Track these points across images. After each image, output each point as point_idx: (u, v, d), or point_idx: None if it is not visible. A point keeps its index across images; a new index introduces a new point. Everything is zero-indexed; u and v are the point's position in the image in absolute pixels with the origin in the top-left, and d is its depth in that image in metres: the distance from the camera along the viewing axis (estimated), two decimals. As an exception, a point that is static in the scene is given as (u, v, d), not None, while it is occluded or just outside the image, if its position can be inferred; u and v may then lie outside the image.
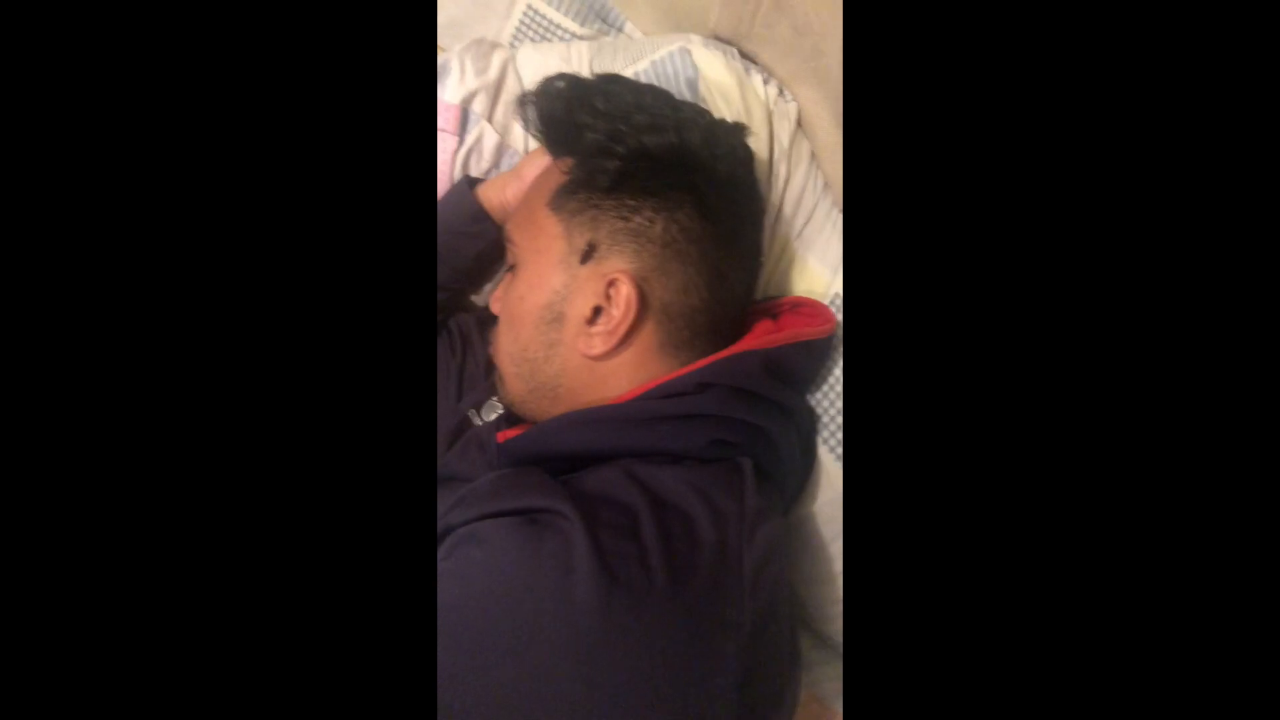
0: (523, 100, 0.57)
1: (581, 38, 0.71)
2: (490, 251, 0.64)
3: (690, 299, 0.50)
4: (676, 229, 0.49)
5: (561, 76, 0.55)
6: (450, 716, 0.36)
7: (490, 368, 0.66)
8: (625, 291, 0.48)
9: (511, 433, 0.52)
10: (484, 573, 0.40)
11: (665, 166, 0.50)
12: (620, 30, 0.73)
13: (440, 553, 0.43)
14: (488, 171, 0.65)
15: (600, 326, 0.49)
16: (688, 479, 0.44)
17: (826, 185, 0.63)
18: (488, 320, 0.70)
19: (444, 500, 0.51)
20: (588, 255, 0.50)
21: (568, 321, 0.50)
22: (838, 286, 0.59)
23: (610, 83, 0.54)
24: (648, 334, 0.50)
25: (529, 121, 0.57)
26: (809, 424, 0.56)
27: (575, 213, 0.50)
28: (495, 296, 0.58)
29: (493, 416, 0.60)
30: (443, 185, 0.65)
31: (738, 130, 0.55)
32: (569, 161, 0.52)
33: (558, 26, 0.71)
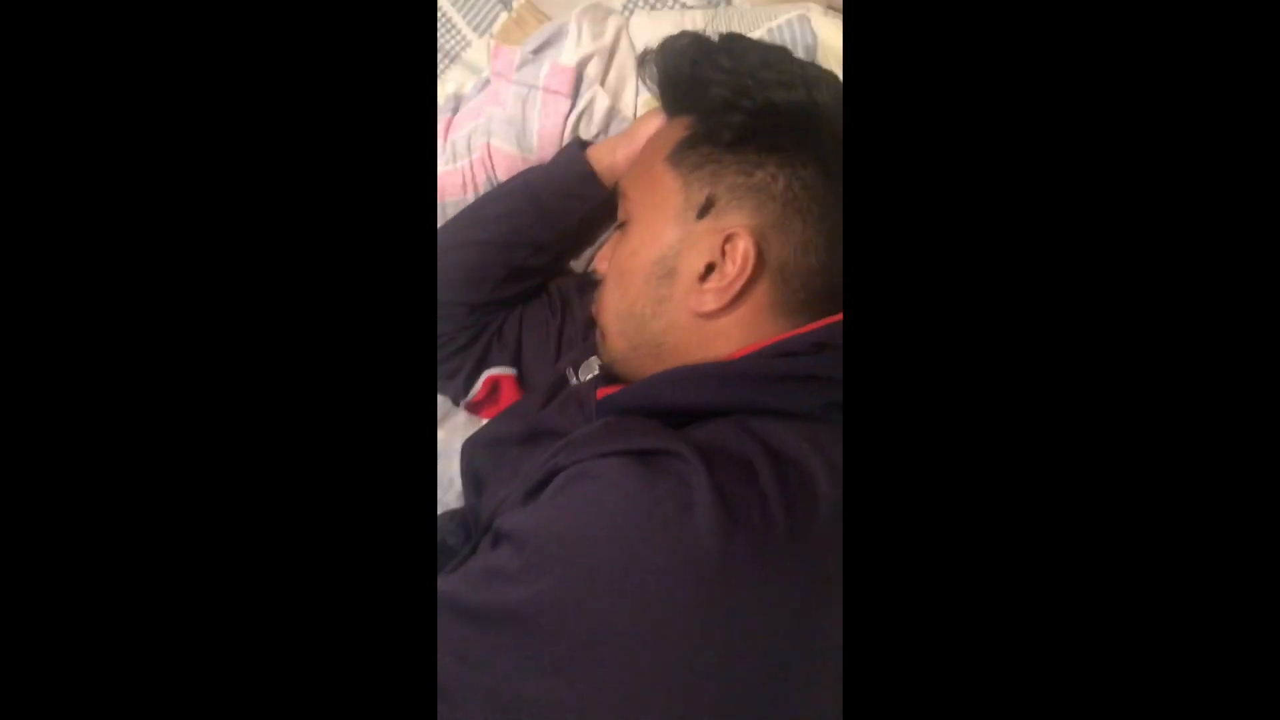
0: (644, 57, 0.57)
1: (693, 7, 0.71)
2: (596, 215, 0.64)
3: (809, 259, 0.49)
4: (800, 186, 0.48)
5: (685, 34, 0.55)
6: (551, 650, 0.36)
7: (589, 329, 0.67)
8: (743, 246, 0.47)
9: (611, 389, 0.52)
10: (596, 507, 0.40)
11: (792, 123, 0.49)
12: (729, 2, 0.72)
13: (546, 493, 0.43)
14: (597, 135, 0.66)
15: (713, 283, 0.48)
16: (804, 434, 0.43)
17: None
18: (586, 285, 0.71)
19: (545, 450, 0.52)
20: (705, 210, 0.49)
21: (679, 277, 0.49)
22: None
23: (734, 40, 0.54)
24: (761, 293, 0.49)
25: (650, 79, 0.57)
26: None
27: (695, 167, 0.50)
28: (602, 255, 0.57)
29: (590, 375, 0.60)
30: (555, 146, 0.65)
31: None
32: (690, 118, 0.52)
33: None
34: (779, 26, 0.62)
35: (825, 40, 0.61)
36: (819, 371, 0.46)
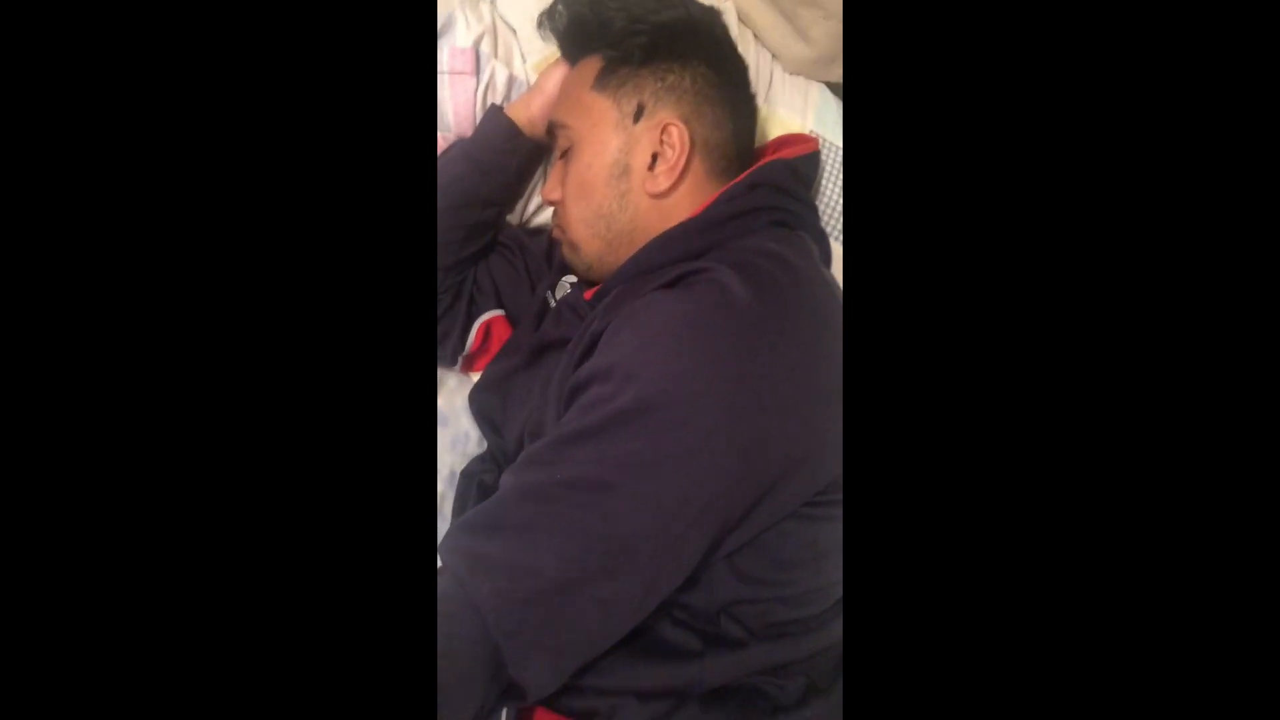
0: (547, 15, 0.69)
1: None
2: (526, 166, 0.75)
3: (722, 131, 0.65)
4: (701, 79, 0.64)
5: None
6: (663, 418, 0.46)
7: (548, 259, 0.77)
8: (677, 132, 0.62)
9: (595, 288, 0.64)
10: (655, 321, 0.50)
11: (680, 35, 0.65)
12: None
13: (600, 346, 0.52)
14: (502, 101, 0.76)
15: (661, 167, 0.62)
16: (770, 238, 0.59)
17: (774, 56, 0.80)
18: (528, 231, 0.81)
19: (554, 362, 0.62)
20: (639, 115, 0.63)
21: (633, 171, 0.63)
22: (810, 124, 0.77)
23: None
24: (696, 166, 0.63)
25: (555, 31, 0.69)
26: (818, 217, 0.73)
27: (619, 86, 0.64)
28: (550, 186, 0.69)
29: (567, 290, 0.71)
30: (470, 120, 0.75)
31: (713, 10, 0.71)
32: (600, 53, 0.65)
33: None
34: (624, -18, 0.77)
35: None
36: (760, 203, 0.61)
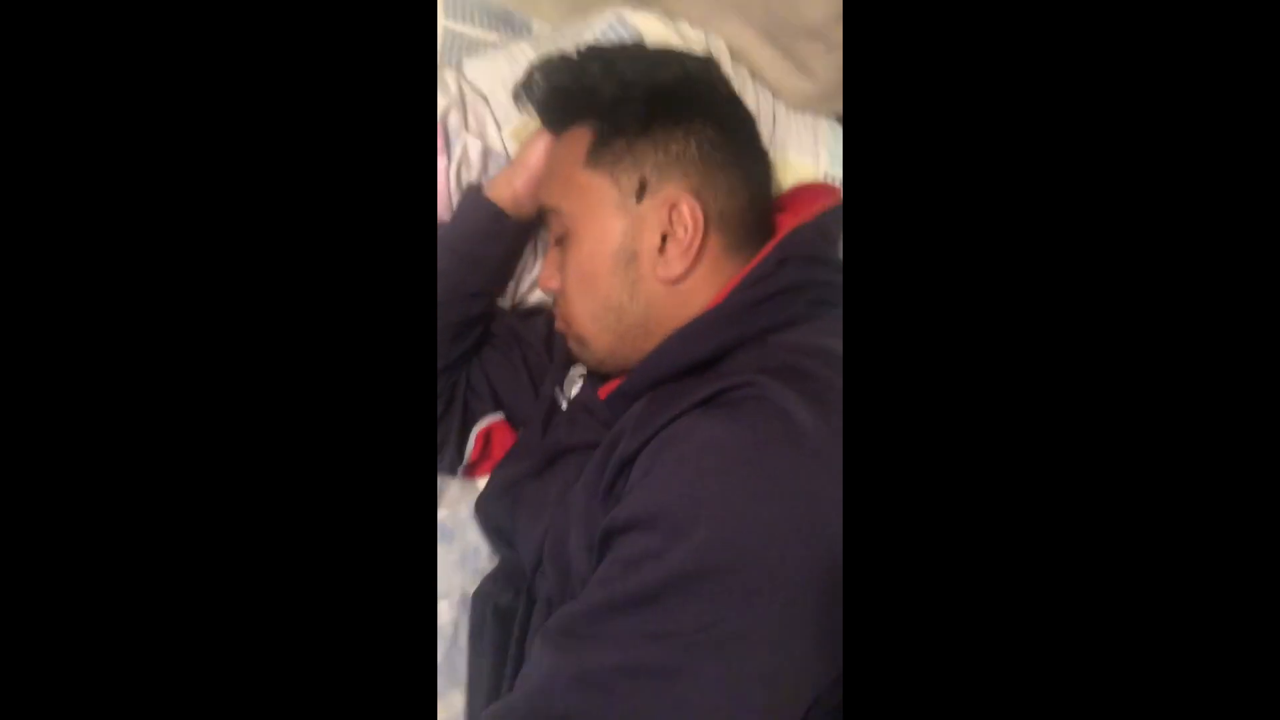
0: (523, 87, 0.61)
1: (499, 45, 0.76)
2: (515, 248, 0.68)
3: (737, 200, 0.56)
4: (707, 145, 0.56)
5: (552, 57, 0.60)
6: (732, 583, 0.39)
7: (548, 349, 0.70)
8: (688, 208, 0.54)
9: (611, 385, 0.56)
10: (701, 459, 0.42)
11: (679, 97, 0.57)
12: (528, 29, 0.78)
13: (633, 479, 0.45)
14: (478, 179, 0.69)
15: (673, 249, 0.54)
16: (810, 331, 0.51)
17: (775, 94, 0.72)
18: (523, 314, 0.73)
19: (568, 470, 0.55)
20: (642, 192, 0.55)
21: (642, 257, 0.55)
22: (825, 168, 0.69)
23: (595, 49, 0.60)
24: (713, 244, 0.55)
25: (534, 103, 0.61)
26: None
27: (615, 161, 0.55)
28: (547, 275, 0.61)
29: (577, 387, 0.64)
30: (443, 203, 0.67)
31: (710, 60, 0.63)
32: (589, 124, 0.58)
33: (475, 39, 0.75)
34: (602, 32, 0.69)
35: (644, 32, 0.69)
36: (793, 281, 0.54)
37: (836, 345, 0.49)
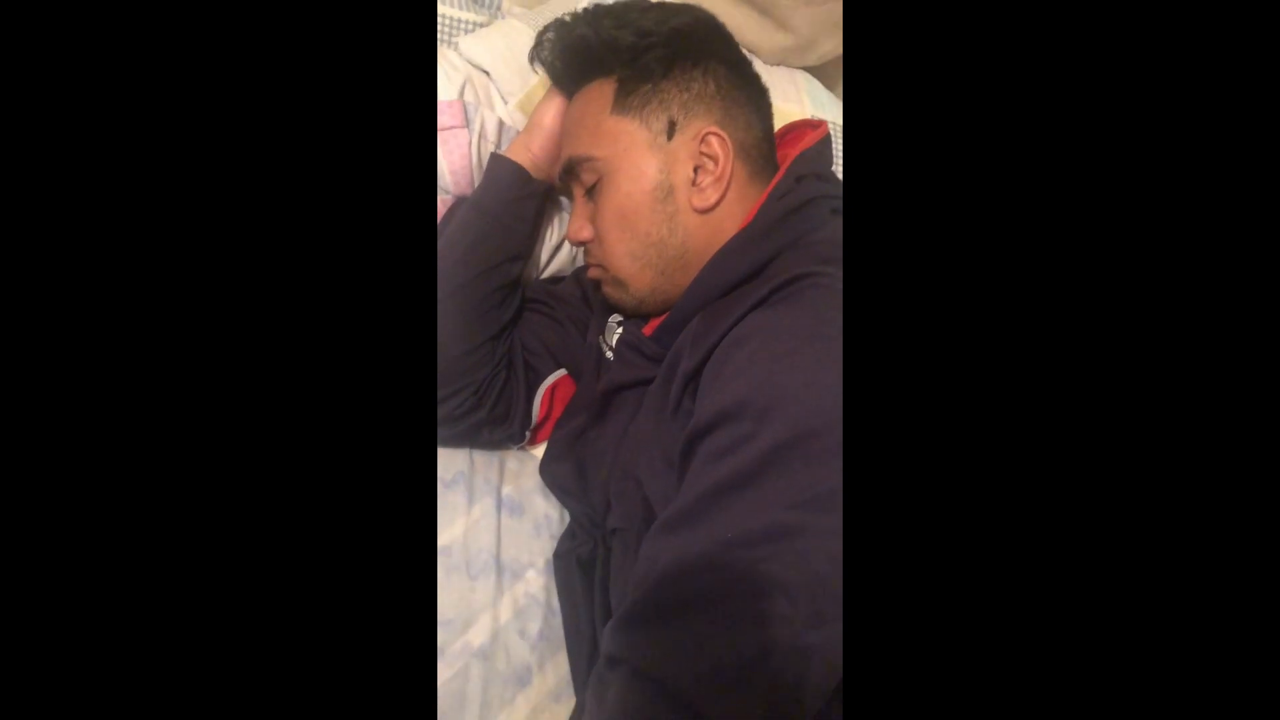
0: (542, 41, 0.63)
1: (477, 25, 0.77)
2: (540, 210, 0.69)
3: (754, 131, 0.62)
4: (723, 82, 0.60)
5: (565, 16, 0.63)
6: (817, 445, 0.42)
7: (586, 304, 0.71)
8: (717, 140, 0.58)
9: (656, 321, 0.59)
10: (775, 343, 0.45)
11: (694, 39, 0.61)
12: (498, 9, 0.80)
13: (705, 379, 0.48)
14: (496, 148, 0.69)
15: (706, 179, 0.58)
16: (838, 230, 0.56)
17: (751, 50, 0.78)
18: (551, 283, 0.74)
19: (628, 405, 0.57)
20: (672, 130, 0.59)
21: (677, 190, 0.58)
22: (809, 109, 0.76)
23: (603, 7, 0.64)
24: (739, 171, 0.60)
25: (550, 60, 0.64)
26: None
27: (641, 105, 0.59)
28: (578, 226, 0.62)
29: (618, 333, 0.65)
30: (468, 177, 0.67)
31: (707, 11, 0.68)
32: (611, 75, 0.60)
33: (458, 20, 0.76)
34: (591, 1, 0.72)
35: (631, -1, 0.73)
36: (813, 192, 0.58)
37: None
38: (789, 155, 0.62)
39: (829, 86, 0.83)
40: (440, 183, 0.67)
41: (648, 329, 0.59)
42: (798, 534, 0.41)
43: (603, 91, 0.60)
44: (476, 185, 0.68)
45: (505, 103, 0.71)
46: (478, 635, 0.61)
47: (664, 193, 0.58)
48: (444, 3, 0.76)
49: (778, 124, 0.78)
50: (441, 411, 0.64)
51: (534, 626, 0.64)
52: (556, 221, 0.74)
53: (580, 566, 0.64)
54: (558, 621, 0.65)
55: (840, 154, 0.78)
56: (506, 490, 0.69)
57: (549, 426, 0.70)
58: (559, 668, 0.64)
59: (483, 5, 0.79)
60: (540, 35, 0.64)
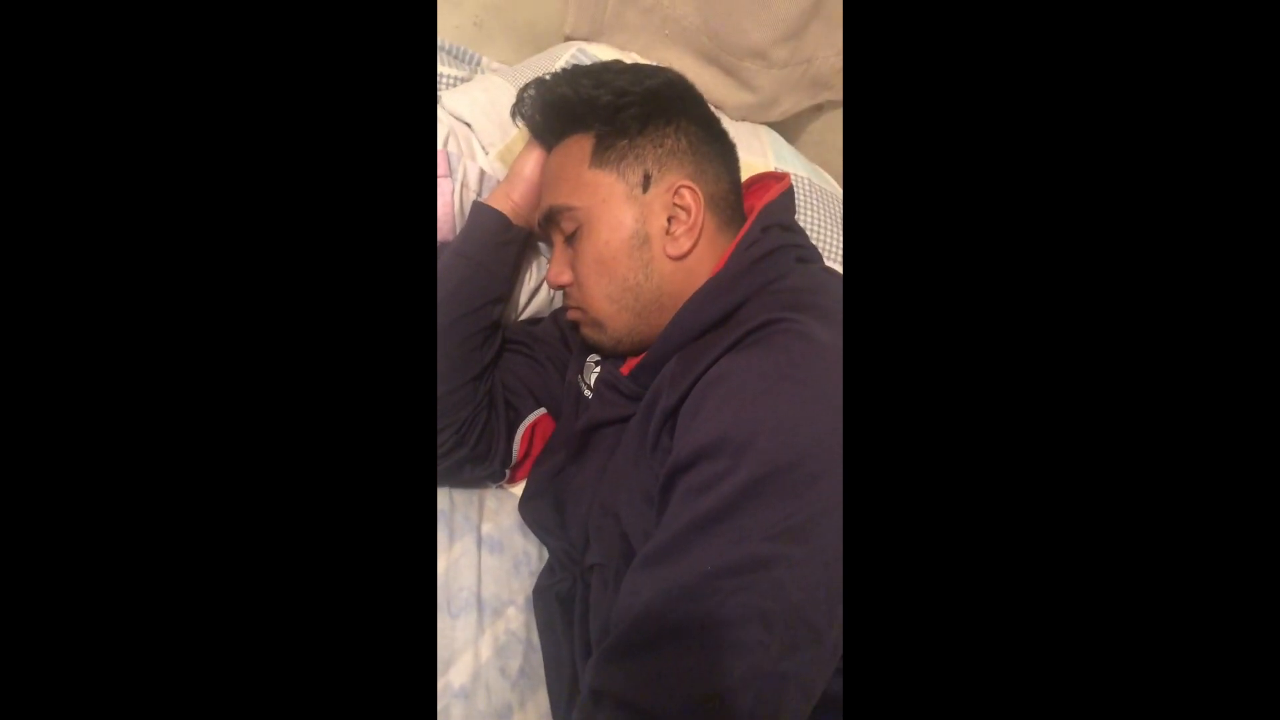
0: (523, 97, 0.67)
1: (459, 79, 0.80)
2: (520, 255, 0.72)
3: (722, 184, 0.66)
4: (694, 138, 0.65)
5: (546, 76, 0.67)
6: (791, 478, 0.44)
7: (565, 345, 0.74)
8: (689, 193, 0.62)
9: (633, 360, 0.62)
10: (752, 381, 0.48)
11: (665, 99, 0.66)
12: (478, 65, 0.84)
13: (681, 419, 0.50)
14: (477, 196, 0.72)
15: (679, 228, 0.62)
16: (804, 276, 0.60)
17: (718, 107, 0.83)
18: (530, 324, 0.77)
19: (605, 441, 0.59)
20: (647, 183, 0.63)
21: (653, 239, 0.62)
22: (773, 162, 0.80)
23: (581, 68, 0.68)
24: (709, 221, 0.64)
25: (537, 116, 0.67)
26: None
27: (618, 160, 0.63)
28: (557, 271, 0.66)
29: (594, 373, 0.68)
30: (450, 224, 0.70)
31: (678, 72, 0.73)
32: (589, 131, 0.64)
33: (443, 74, 0.79)
34: (568, 60, 0.77)
35: (604, 60, 0.77)
36: (778, 242, 0.62)
37: (827, 283, 0.59)
38: (755, 205, 0.67)
39: (790, 141, 0.89)
40: (423, 229, 0.69)
41: (625, 368, 0.62)
42: (774, 564, 0.44)
43: (581, 146, 0.64)
44: (459, 231, 0.70)
45: (486, 153, 0.74)
46: (459, 675, 0.61)
47: (640, 241, 0.62)
48: (427, 59, 0.79)
49: (744, 176, 0.83)
50: None
51: (514, 664, 0.64)
52: (535, 265, 0.77)
53: (560, 602, 0.65)
54: (538, 658, 0.65)
55: (810, 200, 0.82)
56: (486, 528, 0.70)
57: (528, 464, 0.71)
58: (539, 705, 0.64)
59: (464, 61, 0.82)
60: (521, 92, 0.68)
